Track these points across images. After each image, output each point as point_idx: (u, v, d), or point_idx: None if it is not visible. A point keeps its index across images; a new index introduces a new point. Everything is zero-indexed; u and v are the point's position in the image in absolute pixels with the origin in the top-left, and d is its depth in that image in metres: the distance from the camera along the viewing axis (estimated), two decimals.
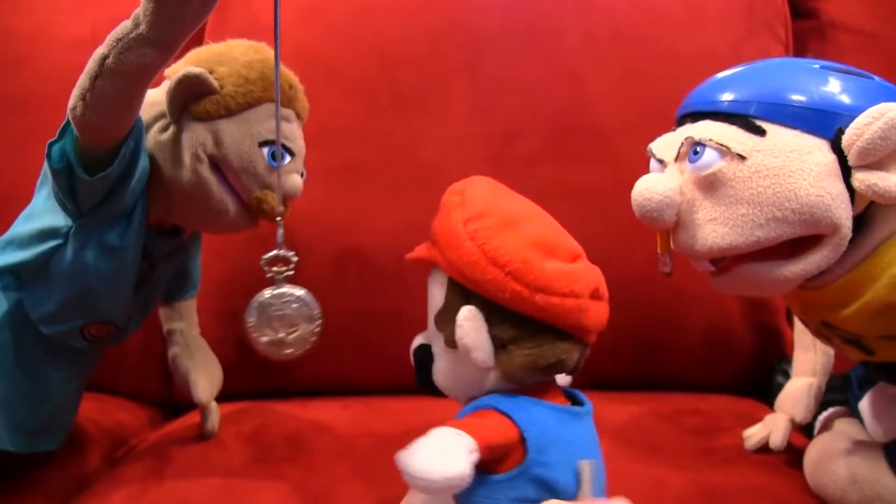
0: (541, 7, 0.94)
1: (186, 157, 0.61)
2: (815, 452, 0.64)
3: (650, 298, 0.88)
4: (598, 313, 0.43)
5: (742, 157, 0.49)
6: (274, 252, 0.65)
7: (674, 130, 0.57)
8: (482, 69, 0.93)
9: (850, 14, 1.00)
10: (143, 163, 0.60)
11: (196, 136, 0.61)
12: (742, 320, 0.91)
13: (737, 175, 0.49)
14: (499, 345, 0.43)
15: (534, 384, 0.44)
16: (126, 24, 0.50)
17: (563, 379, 0.50)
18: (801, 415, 0.70)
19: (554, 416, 0.43)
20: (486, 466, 0.41)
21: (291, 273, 0.66)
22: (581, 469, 0.41)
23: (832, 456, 0.61)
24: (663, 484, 0.63)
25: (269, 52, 0.65)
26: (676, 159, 0.54)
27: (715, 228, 0.50)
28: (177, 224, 0.67)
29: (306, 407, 0.84)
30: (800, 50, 1.00)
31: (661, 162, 0.55)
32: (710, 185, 0.51)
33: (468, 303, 0.43)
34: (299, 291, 0.66)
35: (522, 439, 0.41)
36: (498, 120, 0.92)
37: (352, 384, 0.90)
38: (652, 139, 0.59)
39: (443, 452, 0.38)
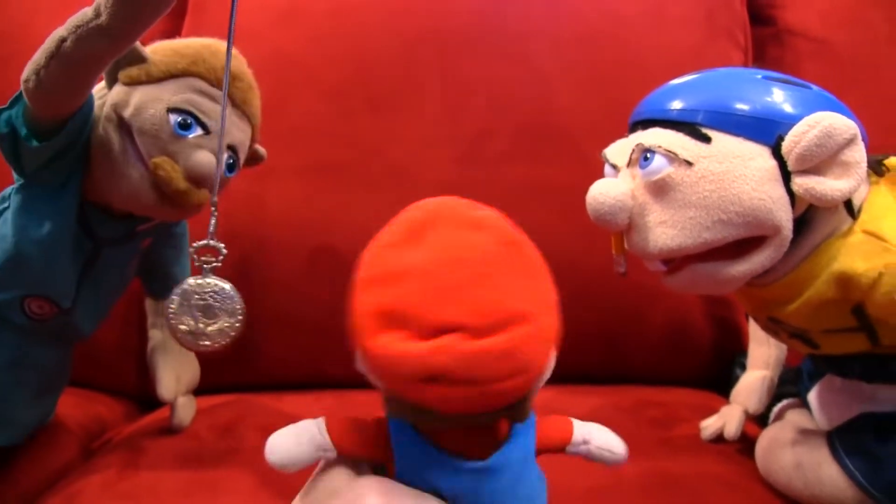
0: (509, 12, 0.96)
1: (101, 117, 0.61)
2: (764, 441, 0.66)
3: (613, 294, 0.90)
4: (439, 396, 0.37)
5: (689, 163, 0.51)
6: (204, 241, 0.63)
7: (626, 137, 0.59)
8: (453, 72, 0.94)
9: (806, 21, 1.03)
10: (86, 136, 0.61)
11: (114, 97, 0.61)
12: (702, 315, 0.93)
13: (684, 180, 0.52)
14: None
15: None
16: (87, 12, 0.50)
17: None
18: (753, 406, 0.73)
19: (431, 458, 0.41)
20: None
21: (219, 265, 0.64)
22: None
23: (780, 444, 0.64)
24: (621, 473, 0.65)
25: (221, 45, 0.64)
26: (629, 165, 0.56)
27: (665, 231, 0.53)
28: (101, 196, 0.64)
29: (280, 400, 0.85)
30: (758, 55, 1.03)
31: (614, 167, 0.57)
32: (659, 189, 0.53)
33: None
34: (224, 284, 0.64)
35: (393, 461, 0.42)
36: (468, 121, 0.93)
37: (324, 378, 0.91)
38: (615, 138, 0.61)
39: (295, 442, 0.41)
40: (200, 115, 0.62)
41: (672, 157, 0.52)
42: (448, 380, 0.36)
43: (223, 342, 0.64)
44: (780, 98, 0.52)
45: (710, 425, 0.74)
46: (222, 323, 0.64)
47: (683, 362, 0.94)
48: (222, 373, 0.89)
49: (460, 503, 0.41)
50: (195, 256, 0.63)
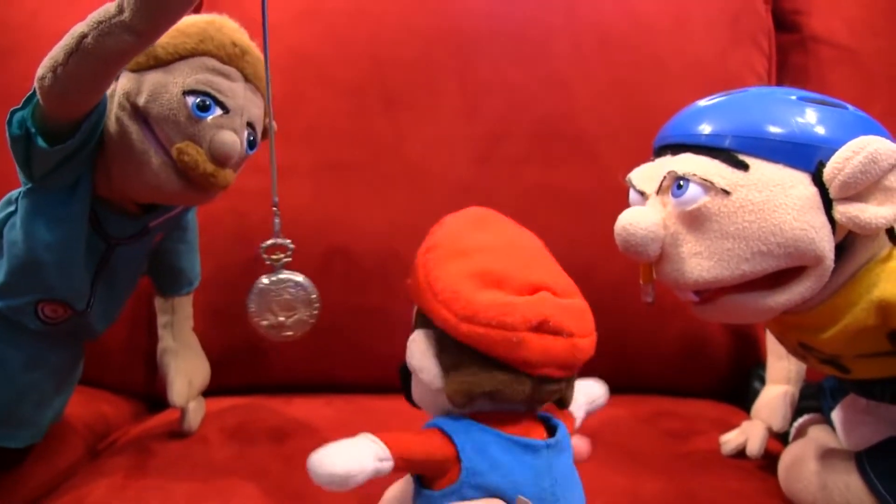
0: (529, 13, 0.95)
1: (113, 107, 0.59)
2: (788, 459, 0.65)
3: (629, 302, 0.87)
4: (541, 347, 0.41)
5: (726, 192, 0.49)
6: (272, 240, 0.65)
7: (652, 160, 0.57)
8: (470, 72, 0.93)
9: (831, 29, 1.01)
10: (99, 133, 0.59)
11: (123, 86, 0.60)
12: (719, 326, 0.92)
13: (721, 210, 0.49)
14: (445, 370, 0.43)
15: (492, 411, 0.44)
16: (109, 8, 0.49)
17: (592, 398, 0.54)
18: (778, 423, 0.71)
19: (499, 443, 0.42)
20: (426, 482, 0.43)
21: (289, 260, 0.66)
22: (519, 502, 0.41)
23: (804, 463, 0.62)
24: (639, 487, 0.64)
25: (226, 20, 0.64)
26: (658, 192, 0.53)
27: (700, 262, 0.50)
28: (120, 191, 0.63)
29: (290, 403, 0.84)
30: (782, 62, 1.02)
31: (641, 193, 0.55)
32: (694, 219, 0.51)
33: (424, 327, 0.45)
34: (298, 277, 0.66)
35: (458, 459, 0.42)
36: (484, 122, 0.92)
37: (335, 381, 0.90)
38: (636, 146, 0.59)
39: (345, 453, 0.40)
40: (217, 95, 0.60)
41: (708, 185, 0.50)
42: (550, 328, 0.41)
43: (304, 330, 0.67)
44: (817, 121, 0.50)
45: (730, 440, 0.73)
46: (301, 313, 0.67)
47: (699, 374, 0.93)
48: (232, 375, 0.88)
49: (536, 488, 0.42)
50: (265, 255, 0.65)
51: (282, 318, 0.66)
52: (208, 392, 0.81)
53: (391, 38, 0.94)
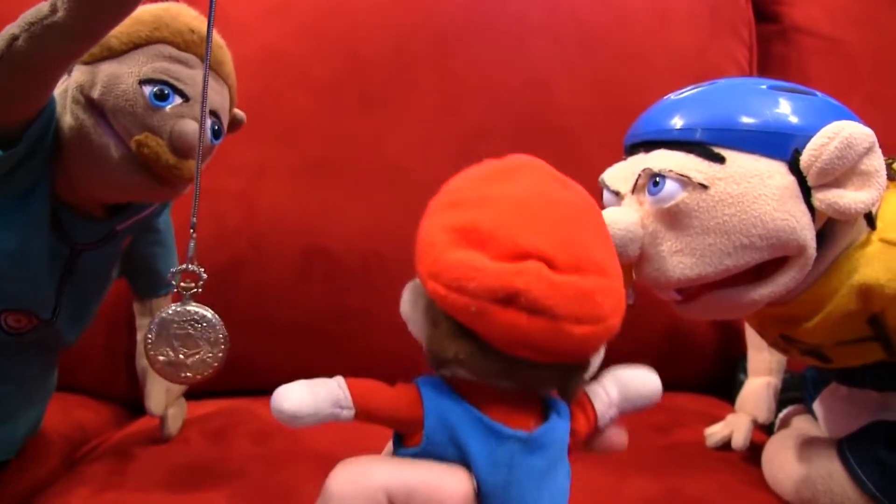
0: (508, 8, 0.95)
1: (67, 102, 0.57)
2: (771, 450, 0.65)
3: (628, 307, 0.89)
4: (507, 323, 0.36)
5: (704, 187, 0.48)
6: (183, 266, 0.58)
7: (624, 159, 0.56)
8: (449, 69, 0.93)
9: (813, 18, 1.02)
10: (51, 134, 0.56)
11: (77, 79, 0.57)
12: (704, 320, 0.91)
13: (700, 205, 0.49)
14: (430, 324, 0.40)
15: (480, 383, 0.39)
16: (42, 8, 0.45)
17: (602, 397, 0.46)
18: (763, 415, 0.71)
19: (467, 419, 0.38)
20: (400, 437, 0.40)
21: (199, 291, 0.59)
22: None
23: (787, 454, 0.62)
24: (623, 483, 0.64)
25: (181, 7, 0.61)
26: (633, 191, 0.53)
27: (682, 260, 0.50)
28: (83, 191, 0.61)
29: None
30: (763, 53, 1.02)
31: (616, 194, 0.54)
32: (673, 216, 0.50)
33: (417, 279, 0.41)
34: (205, 312, 0.59)
35: (423, 425, 0.39)
36: (465, 119, 0.92)
37: None
38: (619, 142, 0.58)
39: (304, 392, 0.37)
40: (176, 83, 0.58)
41: (685, 181, 0.49)
42: (524, 305, 0.35)
43: (205, 373, 0.60)
44: (790, 109, 0.50)
45: (715, 433, 0.73)
46: (204, 354, 0.60)
47: (684, 366, 0.93)
48: (212, 378, 0.86)
49: (489, 477, 0.38)
50: (173, 282, 0.59)
51: (181, 356, 0.59)
52: (190, 395, 0.80)
53: (367, 34, 0.93)
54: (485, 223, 0.37)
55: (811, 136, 0.48)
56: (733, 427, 0.72)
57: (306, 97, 0.91)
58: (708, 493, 0.63)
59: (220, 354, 0.60)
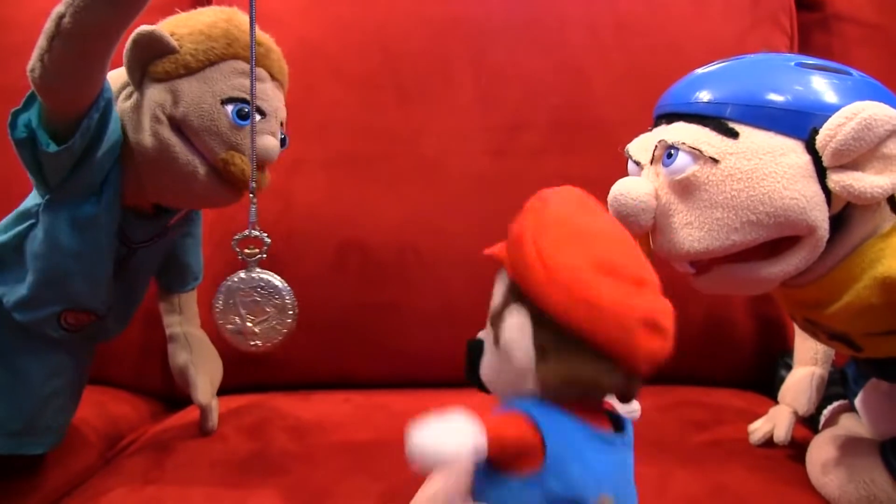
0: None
1: (146, 121, 0.58)
2: (815, 450, 0.63)
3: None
4: (650, 347, 0.40)
5: (715, 161, 0.49)
6: (245, 232, 0.60)
7: (650, 130, 0.56)
8: (485, 61, 0.92)
9: (855, 5, 0.99)
10: (114, 135, 0.57)
11: (154, 97, 0.58)
12: (743, 312, 0.90)
13: (710, 179, 0.49)
14: (540, 353, 0.41)
15: (576, 401, 0.42)
16: None
17: (628, 407, 0.51)
18: (803, 407, 0.69)
19: (584, 435, 0.41)
20: (501, 466, 0.40)
21: (263, 257, 0.61)
22: (600, 501, 0.40)
23: (831, 454, 0.61)
24: (668, 479, 0.63)
25: (239, 15, 0.62)
26: (652, 162, 0.53)
27: (691, 233, 0.50)
28: (155, 201, 0.63)
29: (307, 400, 0.83)
30: (804, 42, 1.00)
31: (637, 164, 0.55)
32: (684, 188, 0.50)
33: (521, 305, 0.42)
34: (271, 278, 0.61)
35: (543, 446, 0.40)
36: (500, 112, 0.91)
37: (352, 378, 0.89)
38: None
39: (447, 430, 0.38)
40: (258, 102, 0.60)
41: (697, 154, 0.49)
42: (658, 326, 0.39)
43: (274, 340, 0.62)
44: (815, 87, 0.49)
45: (758, 428, 0.71)
46: (272, 320, 0.61)
47: (724, 361, 0.91)
48: (248, 373, 0.87)
49: (616, 482, 0.41)
50: (237, 249, 0.61)
51: (249, 324, 0.61)
52: (224, 390, 0.80)
53: (402, 28, 0.93)
54: (611, 254, 0.40)
55: (831, 116, 0.47)
56: (775, 421, 0.70)
57: (341, 91, 0.91)
58: (751, 491, 0.62)
59: (289, 321, 0.62)
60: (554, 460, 0.39)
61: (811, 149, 0.48)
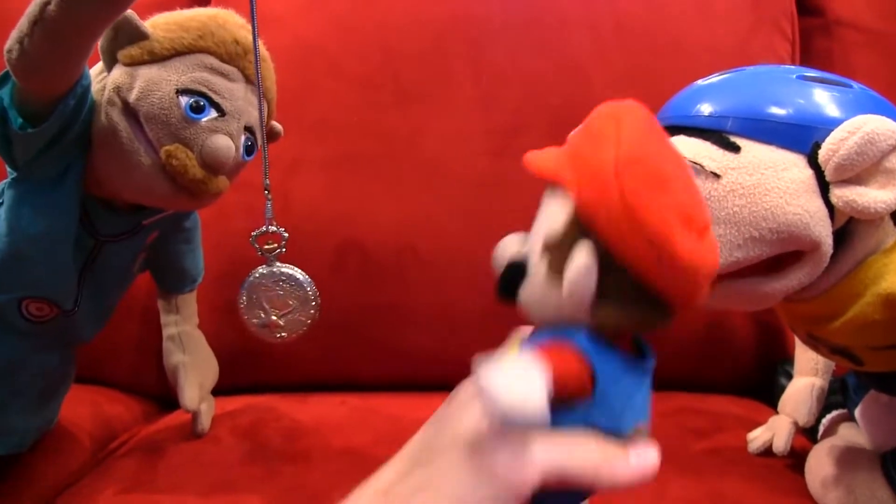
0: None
1: (103, 101, 0.56)
2: (814, 460, 0.63)
3: None
4: (705, 295, 0.40)
5: (716, 176, 0.48)
6: (262, 228, 0.60)
7: None
8: (485, 61, 0.91)
9: (857, 11, 0.99)
10: (85, 123, 0.56)
11: (115, 79, 0.56)
12: (744, 319, 0.90)
13: (711, 194, 0.48)
14: (600, 294, 0.39)
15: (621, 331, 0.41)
16: None
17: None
18: (803, 418, 0.69)
19: (626, 367, 0.40)
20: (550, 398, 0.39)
21: (283, 251, 0.61)
22: (637, 429, 0.40)
23: (830, 465, 0.61)
24: (665, 487, 0.62)
25: (231, 16, 0.60)
26: None
27: None
28: (108, 190, 0.60)
29: (303, 402, 0.83)
30: (805, 47, 1.00)
31: None
32: None
33: (585, 238, 0.39)
34: (292, 271, 0.61)
35: (593, 381, 0.39)
36: (501, 113, 0.90)
37: (350, 379, 0.88)
38: None
39: (522, 385, 0.35)
40: (213, 96, 0.57)
41: (698, 168, 0.48)
42: (714, 277, 0.39)
43: (299, 331, 0.62)
44: (816, 100, 0.49)
45: (757, 437, 0.71)
46: (296, 312, 0.62)
47: (723, 368, 0.91)
48: (244, 374, 0.87)
49: (644, 412, 0.41)
50: (256, 245, 0.60)
51: (274, 317, 0.61)
52: (220, 391, 0.79)
53: (401, 27, 0.92)
54: (687, 200, 0.39)
55: (833, 130, 0.47)
56: (774, 430, 0.70)
57: (341, 90, 0.91)
58: (749, 501, 0.62)
59: (313, 311, 0.62)
60: (601, 395, 0.38)
61: (814, 163, 0.47)
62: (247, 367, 0.86)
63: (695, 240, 0.38)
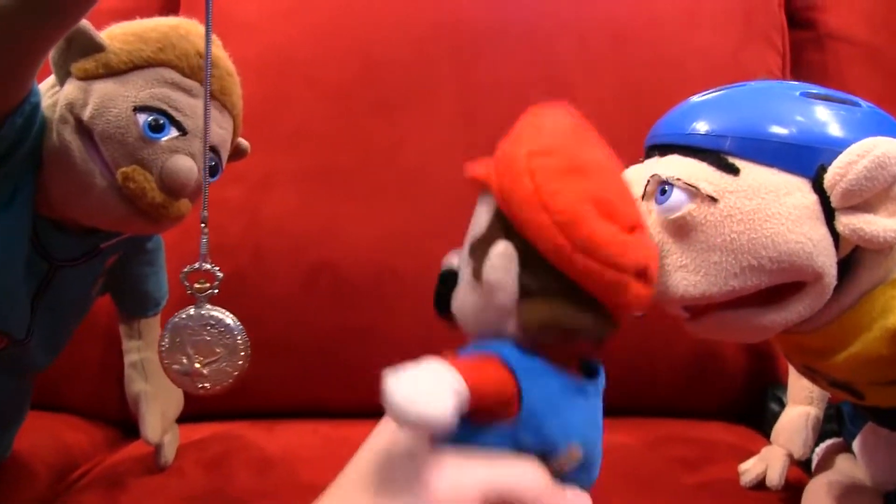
0: (532, 8, 0.92)
1: (55, 118, 0.53)
2: (813, 497, 0.61)
3: (637, 318, 0.85)
4: (638, 294, 0.38)
5: (713, 200, 0.45)
6: (195, 265, 0.55)
7: (641, 161, 0.53)
8: (470, 72, 0.90)
9: (849, 24, 0.98)
10: (36, 141, 0.53)
11: (67, 95, 0.53)
12: (733, 344, 0.87)
13: (708, 219, 0.45)
14: (524, 292, 0.38)
15: (552, 345, 0.40)
16: None
17: None
18: (799, 450, 0.66)
19: (560, 385, 0.39)
20: (470, 414, 0.37)
21: (215, 292, 0.57)
22: (569, 450, 0.38)
23: (830, 501, 0.58)
24: None
25: (195, 26, 0.57)
26: (643, 197, 0.49)
27: (686, 276, 0.46)
28: (60, 212, 0.57)
29: (273, 431, 0.80)
30: (797, 60, 0.99)
31: None
32: (679, 228, 0.46)
33: (508, 239, 0.39)
34: (222, 315, 0.57)
35: (519, 398, 0.37)
36: (485, 126, 0.87)
37: (322, 406, 0.86)
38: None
39: (427, 389, 0.34)
40: (174, 113, 0.54)
41: (693, 191, 0.45)
42: (648, 275, 0.39)
43: (224, 383, 0.58)
44: (821, 120, 0.46)
45: (750, 469, 0.68)
46: (222, 362, 0.57)
47: (712, 393, 0.89)
48: (210, 399, 0.81)
49: (589, 433, 0.40)
50: (186, 283, 0.56)
51: (197, 365, 0.57)
52: (185, 418, 0.76)
53: (382, 35, 0.90)
54: (608, 192, 0.39)
55: (840, 152, 0.44)
56: (767, 462, 0.68)
57: (315, 101, 0.89)
58: None
59: (241, 363, 0.57)
60: (529, 413, 0.37)
61: (818, 188, 0.45)
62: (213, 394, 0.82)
63: (617, 231, 0.37)
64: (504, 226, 0.39)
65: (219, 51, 0.59)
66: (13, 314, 0.57)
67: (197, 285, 0.56)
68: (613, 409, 0.80)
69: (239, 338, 0.57)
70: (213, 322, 0.56)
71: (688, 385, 0.87)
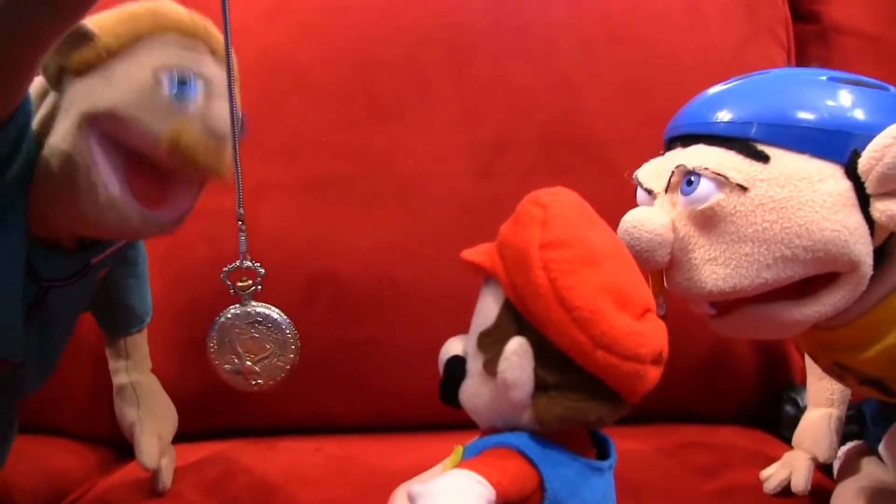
0: (531, 6, 0.90)
1: (64, 123, 0.51)
2: (841, 501, 0.60)
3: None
4: (653, 379, 0.39)
5: (743, 188, 0.44)
6: (236, 263, 0.55)
7: (662, 154, 0.52)
8: (468, 74, 0.88)
9: (853, 17, 0.97)
10: (27, 157, 0.51)
11: (78, 94, 0.51)
12: (746, 344, 0.87)
13: (738, 209, 0.45)
14: (540, 386, 0.39)
15: (565, 432, 0.41)
16: None
17: None
18: (824, 453, 0.65)
19: (578, 469, 0.40)
20: None
21: (258, 289, 0.57)
22: None
23: None
24: None
25: (172, 3, 0.56)
26: (667, 190, 0.49)
27: (715, 269, 0.46)
28: (60, 226, 0.55)
29: (274, 449, 0.78)
30: (801, 54, 0.98)
31: (648, 192, 0.50)
32: (707, 220, 0.46)
33: (521, 333, 0.39)
34: (269, 311, 0.57)
35: (541, 490, 0.38)
36: (485, 129, 0.87)
37: (325, 422, 0.84)
38: (651, 150, 0.54)
39: (455, 498, 0.34)
40: (194, 66, 0.53)
41: (722, 180, 0.45)
42: (661, 359, 0.39)
43: (277, 378, 0.58)
44: (852, 104, 0.46)
45: (773, 476, 0.67)
46: (273, 358, 0.58)
47: (726, 396, 0.88)
48: (209, 418, 0.82)
49: None
50: (228, 282, 0.56)
51: (249, 363, 0.57)
52: (183, 437, 0.74)
53: (378, 36, 0.89)
54: (619, 280, 0.39)
55: (874, 136, 0.43)
56: (791, 468, 0.66)
57: (310, 106, 0.87)
58: None
59: (292, 356, 0.58)
60: (552, 500, 0.38)
61: (852, 174, 0.44)
62: (212, 411, 0.82)
63: (631, 320, 0.38)
64: (516, 319, 0.39)
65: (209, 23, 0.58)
66: (10, 338, 0.55)
67: (240, 283, 0.56)
68: (628, 414, 0.80)
69: (288, 332, 0.58)
70: (261, 318, 0.57)
71: (700, 389, 0.86)
